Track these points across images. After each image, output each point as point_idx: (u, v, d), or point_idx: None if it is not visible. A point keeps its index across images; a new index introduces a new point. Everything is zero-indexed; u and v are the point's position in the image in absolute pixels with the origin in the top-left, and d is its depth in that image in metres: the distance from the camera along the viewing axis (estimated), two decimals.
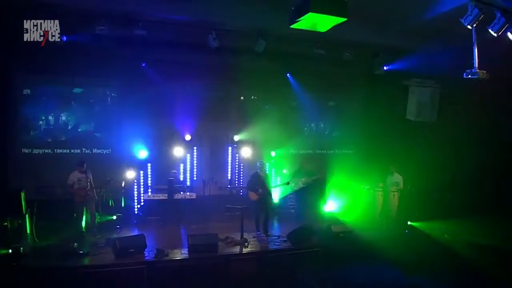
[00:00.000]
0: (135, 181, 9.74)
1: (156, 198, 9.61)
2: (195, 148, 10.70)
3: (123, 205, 9.31)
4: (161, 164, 10.25)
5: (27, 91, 9.54)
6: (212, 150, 11.01)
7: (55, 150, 9.65)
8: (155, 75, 9.86)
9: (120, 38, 8.50)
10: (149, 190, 9.95)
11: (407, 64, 9.72)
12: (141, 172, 9.87)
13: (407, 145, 10.20)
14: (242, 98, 11.33)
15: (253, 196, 8.43)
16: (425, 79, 10.23)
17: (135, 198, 9.76)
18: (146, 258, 6.82)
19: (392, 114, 10.74)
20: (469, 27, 5.64)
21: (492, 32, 5.83)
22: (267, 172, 9.45)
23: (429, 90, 10.31)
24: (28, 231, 7.44)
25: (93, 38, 8.38)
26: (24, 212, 7.44)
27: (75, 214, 7.83)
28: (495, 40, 5.91)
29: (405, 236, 8.80)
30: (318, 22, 4.23)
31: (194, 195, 9.82)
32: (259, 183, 8.47)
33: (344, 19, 4.17)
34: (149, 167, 10.00)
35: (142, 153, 9.83)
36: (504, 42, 6.03)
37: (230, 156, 11.14)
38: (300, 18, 4.11)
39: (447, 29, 7.02)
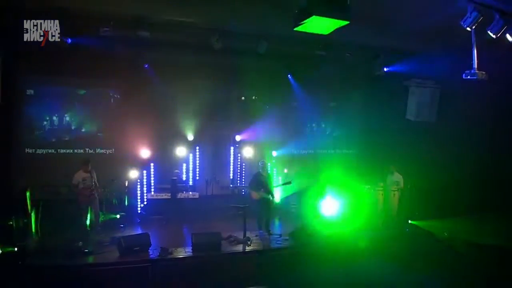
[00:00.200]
0: (138, 180, 9.84)
1: (159, 197, 9.71)
2: (197, 148, 10.82)
3: (126, 204, 9.41)
4: (164, 164, 10.37)
5: (30, 92, 9.63)
6: (215, 149, 11.13)
7: (59, 150, 9.75)
8: (158, 76, 9.98)
9: (123, 39, 8.59)
10: (152, 190, 10.04)
11: (407, 66, 9.84)
12: (144, 171, 9.97)
13: (407, 144, 10.28)
14: (243, 98, 11.43)
15: (255, 195, 8.52)
16: (425, 79, 10.32)
17: (138, 197, 9.86)
18: (151, 256, 6.89)
19: (392, 114, 10.82)
20: (468, 29, 5.74)
21: (491, 34, 5.93)
22: (269, 171, 9.52)
23: (429, 90, 10.40)
24: (33, 230, 7.53)
25: (96, 40, 8.49)
26: (29, 211, 7.53)
27: (79, 213, 7.91)
28: (494, 41, 6.01)
29: (406, 235, 8.89)
30: (321, 25, 4.33)
31: (197, 195, 9.93)
32: (261, 183, 8.56)
33: (346, 22, 4.27)
34: (152, 167, 10.10)
35: (145, 152, 9.93)
36: (503, 43, 6.14)
37: (232, 156, 11.25)
38: (304, 21, 4.21)
39: (446, 30, 7.11)
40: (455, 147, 9.46)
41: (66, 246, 7.12)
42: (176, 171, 10.32)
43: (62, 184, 8.69)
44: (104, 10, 7.67)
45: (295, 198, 10.61)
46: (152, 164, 10.11)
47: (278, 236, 8.34)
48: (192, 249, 7.18)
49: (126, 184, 9.46)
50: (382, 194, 10.02)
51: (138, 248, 7.00)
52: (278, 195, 10.18)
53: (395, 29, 8.14)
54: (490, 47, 6.13)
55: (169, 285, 6.64)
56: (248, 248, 7.48)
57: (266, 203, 8.55)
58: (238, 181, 11.33)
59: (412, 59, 9.59)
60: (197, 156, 10.85)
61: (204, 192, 10.34)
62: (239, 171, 11.37)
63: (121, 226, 8.83)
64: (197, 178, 10.79)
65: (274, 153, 11.42)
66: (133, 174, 9.64)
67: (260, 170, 8.78)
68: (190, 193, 9.99)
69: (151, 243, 7.22)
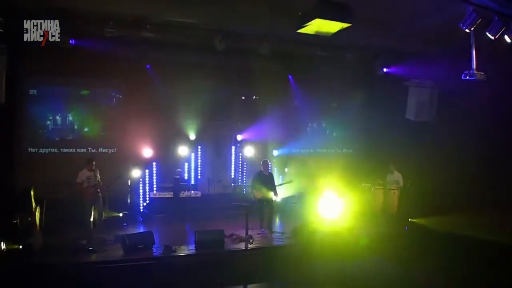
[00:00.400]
0: (141, 179, 9.93)
1: (162, 196, 9.79)
2: (199, 147, 10.91)
3: (129, 203, 9.49)
4: (166, 163, 10.45)
5: (33, 91, 9.71)
6: (216, 149, 11.23)
7: (61, 149, 9.84)
8: (160, 76, 10.06)
9: (125, 40, 8.67)
10: (154, 189, 10.13)
11: (407, 67, 9.96)
12: (147, 171, 10.05)
13: (406, 144, 10.40)
14: (243, 98, 11.53)
15: (257, 194, 8.61)
16: (424, 80, 10.43)
17: (141, 196, 9.95)
18: (155, 254, 6.99)
19: (392, 114, 10.94)
20: (467, 30, 5.85)
21: (490, 35, 6.04)
22: (270, 170, 9.63)
23: (428, 90, 10.51)
24: (38, 228, 7.58)
25: (98, 40, 8.58)
26: (33, 209, 7.60)
27: (83, 212, 7.97)
28: (492, 42, 6.13)
29: (405, 232, 9.00)
30: (324, 27, 4.44)
31: (199, 193, 10.03)
32: (263, 182, 8.65)
33: (348, 24, 4.38)
34: (154, 166, 10.19)
35: (147, 152, 10.01)
36: (502, 44, 6.25)
37: (233, 155, 11.35)
38: (308, 24, 4.31)
39: (445, 32, 7.22)
40: (454, 146, 9.57)
41: (70, 244, 7.22)
42: (178, 170, 10.41)
43: (66, 183, 8.75)
44: (106, 10, 7.76)
45: (296, 197, 10.70)
46: (154, 163, 10.19)
47: (280, 234, 8.45)
48: (195, 247, 7.28)
49: (129, 183, 9.53)
50: (382, 193, 10.15)
51: (142, 246, 7.09)
52: (279, 194, 10.26)
53: (394, 30, 8.26)
54: (489, 48, 6.26)
55: (173, 282, 6.71)
56: (250, 246, 7.58)
57: (268, 202, 8.65)
58: (240, 180, 11.42)
59: (412, 59, 9.71)
60: (199, 155, 10.95)
61: (206, 191, 10.43)
62: (240, 170, 11.47)
63: (124, 225, 8.92)
64: (199, 177, 10.88)
65: (275, 153, 11.52)
66: (136, 173, 9.72)
67: (262, 169, 8.87)
68: (192, 192, 10.09)
69: (155, 241, 7.31)
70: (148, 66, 10.09)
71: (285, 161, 11.65)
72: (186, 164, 10.83)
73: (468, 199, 9.22)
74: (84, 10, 7.67)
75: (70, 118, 10.02)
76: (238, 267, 7.07)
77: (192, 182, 10.73)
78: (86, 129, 10.12)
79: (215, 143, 11.26)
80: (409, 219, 9.47)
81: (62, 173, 9.02)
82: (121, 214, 9.07)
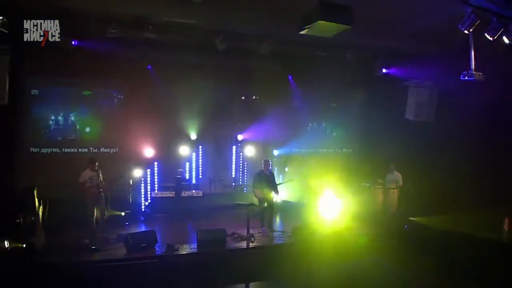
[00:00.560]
0: (142, 179, 9.99)
1: (164, 195, 9.85)
2: (200, 147, 10.98)
3: (130, 202, 9.55)
4: (168, 163, 10.51)
5: (35, 92, 9.77)
6: (217, 149, 11.31)
7: (63, 149, 9.90)
8: (161, 76, 10.12)
9: (127, 40, 8.73)
10: (156, 188, 10.20)
11: (406, 67, 10.05)
12: (148, 170, 10.12)
13: (406, 144, 10.48)
14: (243, 98, 11.60)
15: (258, 193, 8.69)
16: (423, 80, 10.51)
17: (142, 195, 10.01)
18: (157, 252, 7.05)
19: (392, 114, 11.02)
20: (466, 31, 5.93)
21: (489, 36, 6.13)
22: (271, 170, 9.69)
23: (427, 91, 10.60)
24: (41, 228, 7.64)
25: (100, 41, 8.63)
26: (36, 209, 7.66)
27: (86, 211, 8.03)
28: (491, 43, 6.21)
29: (405, 231, 9.08)
30: (325, 28, 4.52)
31: (200, 193, 10.11)
32: (264, 181, 8.73)
33: (349, 26, 4.47)
34: (155, 166, 10.25)
35: (148, 152, 10.07)
36: (500, 45, 6.34)
37: (234, 155, 11.42)
38: (310, 25, 4.39)
39: (444, 32, 7.30)
40: (452, 146, 9.66)
41: (73, 243, 7.28)
42: (180, 170, 10.48)
43: (68, 183, 8.80)
44: (107, 11, 7.81)
45: (297, 196, 10.77)
46: (156, 163, 10.26)
47: (281, 233, 8.53)
48: (197, 246, 7.35)
49: (131, 182, 9.59)
50: (381, 192, 10.24)
51: (145, 245, 7.15)
52: (280, 193, 10.34)
53: (394, 30, 8.33)
54: (487, 49, 6.34)
55: (175, 280, 6.76)
56: (251, 245, 7.66)
57: (268, 201, 8.73)
58: (240, 180, 11.50)
59: (411, 60, 9.79)
60: (200, 155, 11.02)
61: (208, 191, 10.51)
62: (241, 169, 11.55)
63: (126, 224, 8.98)
64: (200, 176, 10.96)
65: (275, 152, 11.59)
66: (137, 173, 9.78)
67: (263, 169, 8.94)
68: (194, 191, 10.16)
69: (158, 240, 7.38)
70: (149, 67, 10.16)
71: (285, 160, 11.72)
72: (187, 163, 10.90)
73: (467, 198, 9.30)
74: (85, 11, 7.72)
75: (72, 118, 10.09)
76: (240, 265, 7.13)
77: (193, 181, 10.80)
78: (87, 129, 10.19)
79: (216, 143, 11.34)
80: (409, 218, 9.56)
81: (63, 173, 9.07)
82: (123, 213, 9.13)
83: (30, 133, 9.72)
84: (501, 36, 6.13)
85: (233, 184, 11.29)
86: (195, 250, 7.25)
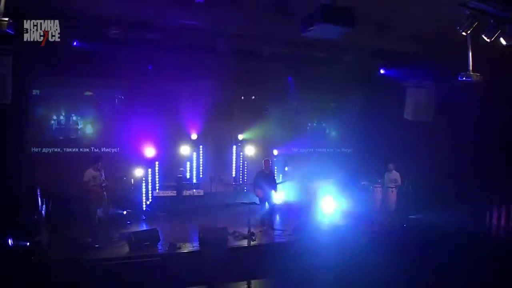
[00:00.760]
0: (143, 178, 10.06)
1: (165, 195, 9.93)
2: (201, 146, 11.05)
3: (132, 201, 9.63)
4: (168, 162, 10.59)
5: (36, 92, 9.83)
6: (217, 148, 11.39)
7: (64, 149, 9.95)
8: (162, 77, 10.19)
9: (128, 40, 8.79)
10: (157, 187, 10.27)
11: (405, 67, 10.16)
12: (149, 170, 10.19)
13: (405, 143, 10.60)
14: (242, 98, 11.68)
15: (259, 192, 8.78)
16: (422, 80, 10.64)
17: (144, 194, 10.08)
18: (160, 251, 7.15)
19: (390, 114, 11.14)
20: (464, 33, 6.02)
21: (486, 38, 6.22)
22: (271, 169, 9.81)
23: (426, 91, 10.72)
24: (44, 226, 7.71)
25: (102, 42, 8.69)
26: (40, 207, 7.73)
27: (88, 210, 8.10)
28: (489, 44, 6.30)
29: (404, 229, 9.20)
30: (327, 31, 4.62)
31: (201, 192, 10.19)
32: (264, 180, 8.82)
33: (351, 29, 4.58)
34: (156, 165, 10.33)
35: (149, 151, 10.14)
36: (497, 46, 6.43)
37: (234, 154, 11.51)
38: (311, 28, 4.49)
39: (443, 34, 7.40)
40: (450, 145, 9.77)
41: (77, 241, 7.36)
42: (181, 169, 10.55)
43: (70, 182, 8.87)
44: (108, 12, 7.85)
45: (297, 195, 10.86)
46: (157, 163, 10.33)
47: (281, 231, 8.62)
48: (199, 244, 7.45)
49: (132, 182, 9.67)
50: (380, 191, 10.36)
51: (147, 243, 7.25)
52: (280, 192, 10.43)
53: (393, 32, 8.43)
54: (485, 50, 6.43)
55: (178, 278, 6.86)
56: (252, 243, 7.75)
57: (269, 200, 8.82)
58: (240, 179, 11.58)
59: (409, 60, 9.90)
60: (201, 154, 11.09)
61: (209, 190, 10.59)
62: (241, 169, 11.63)
63: (128, 223, 9.05)
64: (201, 176, 11.04)
65: (275, 152, 11.68)
66: (138, 172, 9.85)
67: (264, 168, 9.04)
68: (195, 190, 10.24)
69: (160, 238, 7.46)
70: (149, 67, 10.21)
71: (285, 160, 11.82)
72: (188, 163, 10.97)
73: (466, 197, 9.42)
74: (86, 12, 7.76)
75: (74, 118, 10.16)
76: (241, 263, 7.23)
77: (194, 181, 10.88)
78: (89, 129, 10.25)
79: (216, 143, 11.42)
80: (408, 216, 9.68)
81: (65, 173, 9.14)
82: (124, 212, 9.20)
83: (32, 133, 9.76)
84: (498, 37, 6.21)
85: (234, 183, 11.37)
86: (197, 248, 7.34)
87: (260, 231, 8.42)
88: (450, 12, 6.17)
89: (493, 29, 6.11)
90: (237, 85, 11.18)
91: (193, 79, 10.37)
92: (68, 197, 8.78)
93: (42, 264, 6.57)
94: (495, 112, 9.11)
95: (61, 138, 9.95)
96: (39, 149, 9.81)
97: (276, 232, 8.53)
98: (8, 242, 6.57)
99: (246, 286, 7.08)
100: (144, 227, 8.86)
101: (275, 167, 11.53)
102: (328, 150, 12.49)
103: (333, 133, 12.77)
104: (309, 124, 12.52)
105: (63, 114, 10.07)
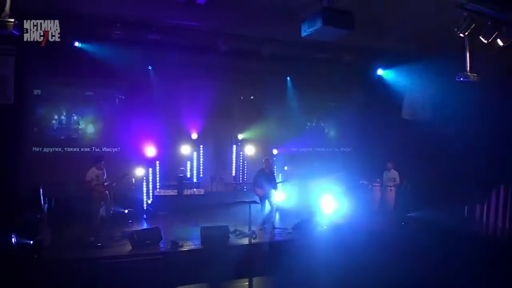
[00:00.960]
0: (144, 178, 10.12)
1: (166, 194, 10.00)
2: (201, 146, 11.13)
3: (133, 200, 9.70)
4: (169, 162, 10.65)
5: (37, 92, 9.88)
6: (218, 148, 11.46)
7: (65, 148, 10.00)
8: (162, 77, 10.25)
9: (129, 41, 8.84)
10: (158, 187, 10.34)
11: (403, 68, 10.26)
12: (150, 169, 10.26)
13: (403, 142, 10.70)
14: (241, 97, 11.76)
15: (259, 191, 8.86)
16: (420, 80, 10.72)
17: (144, 194, 10.15)
18: (162, 249, 7.22)
19: (389, 113, 11.24)
20: (461, 35, 6.12)
21: (483, 39, 6.33)
22: (272, 168, 9.89)
23: (423, 91, 10.81)
24: (47, 225, 7.78)
25: (103, 42, 8.74)
26: (42, 206, 7.79)
27: (91, 209, 8.16)
28: (486, 45, 6.41)
29: (402, 228, 9.30)
30: (327, 33, 4.70)
31: (202, 191, 10.26)
32: (264, 179, 8.90)
33: (351, 31, 4.66)
34: (157, 165, 10.40)
35: (150, 151, 10.21)
36: (494, 47, 6.54)
37: (234, 154, 11.59)
38: (312, 30, 4.57)
39: (441, 34, 7.49)
40: (448, 144, 9.87)
41: (79, 240, 7.44)
42: (182, 168, 10.62)
43: (71, 181, 8.94)
44: (109, 12, 7.91)
45: (297, 194, 10.95)
46: (157, 162, 10.39)
47: (281, 230, 8.71)
48: (201, 242, 7.53)
49: (133, 181, 9.73)
50: (379, 190, 10.47)
51: (149, 241, 7.32)
52: (280, 191, 10.51)
53: (391, 33, 8.52)
54: (482, 51, 6.54)
55: (180, 276, 6.95)
56: (253, 241, 7.84)
57: (269, 199, 8.90)
58: (240, 178, 11.66)
59: (408, 61, 10.00)
60: (201, 154, 11.17)
61: (209, 189, 10.67)
62: (241, 168, 11.71)
63: (129, 222, 9.11)
64: (201, 175, 11.11)
65: (275, 151, 11.77)
66: (139, 171, 9.90)
67: (264, 167, 9.11)
68: (195, 189, 10.31)
69: (162, 236, 7.54)
70: (150, 67, 10.27)
71: (284, 159, 11.90)
72: (189, 162, 11.04)
73: (464, 196, 9.53)
74: (86, 12, 7.81)
75: (75, 118, 10.20)
76: (242, 261, 7.32)
77: (195, 180, 10.95)
78: (90, 129, 10.30)
79: (217, 142, 11.48)
80: (407, 215, 9.79)
81: (67, 172, 9.21)
82: (126, 211, 9.27)
83: (34, 133, 9.82)
84: (495, 39, 6.32)
85: (234, 182, 11.45)
86: (198, 246, 7.42)
87: (260, 230, 8.49)
88: (448, 13, 6.28)
89: (491, 31, 6.23)
90: (237, 85, 11.24)
91: (193, 79, 10.41)
92: (70, 196, 8.85)
93: (45, 263, 6.60)
94: (492, 112, 9.21)
95: (62, 137, 10.00)
96: (40, 148, 9.87)
97: (277, 231, 8.60)
98: (11, 241, 6.61)
99: (247, 283, 7.17)
100: (146, 226, 8.92)
101: (275, 167, 11.59)
102: (327, 149, 12.59)
103: (332, 133, 12.86)
104: (308, 123, 12.59)
105: (64, 114, 10.11)
